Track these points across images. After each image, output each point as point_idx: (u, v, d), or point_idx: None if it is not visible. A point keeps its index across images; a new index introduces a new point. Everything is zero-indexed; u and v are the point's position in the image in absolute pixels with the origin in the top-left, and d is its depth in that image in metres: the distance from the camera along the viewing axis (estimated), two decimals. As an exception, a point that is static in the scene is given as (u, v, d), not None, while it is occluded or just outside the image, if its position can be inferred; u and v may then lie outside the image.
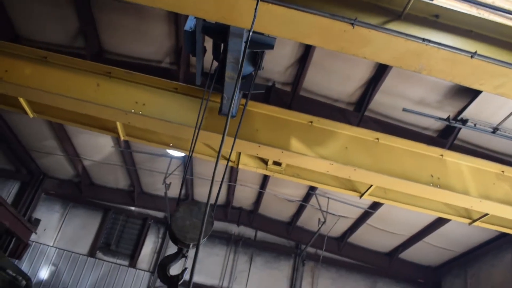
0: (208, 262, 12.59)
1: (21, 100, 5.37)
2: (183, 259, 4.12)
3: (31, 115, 5.64)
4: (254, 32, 4.02)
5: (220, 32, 4.18)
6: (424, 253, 11.99)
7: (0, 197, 10.78)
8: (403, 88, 6.93)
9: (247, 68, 4.52)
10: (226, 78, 4.42)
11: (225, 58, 4.22)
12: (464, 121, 6.04)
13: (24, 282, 2.08)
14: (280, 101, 7.88)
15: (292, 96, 7.71)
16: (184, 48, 6.38)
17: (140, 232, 13.25)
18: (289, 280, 12.89)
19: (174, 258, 4.08)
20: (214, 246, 13.05)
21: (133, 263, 12.75)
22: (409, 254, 12.37)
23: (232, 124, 3.98)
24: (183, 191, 12.59)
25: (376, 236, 12.08)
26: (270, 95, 7.82)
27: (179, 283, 4.06)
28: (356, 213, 11.43)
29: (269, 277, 12.90)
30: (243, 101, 5.37)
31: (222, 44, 4.37)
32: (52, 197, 13.45)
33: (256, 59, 4.39)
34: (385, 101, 7.36)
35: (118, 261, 12.78)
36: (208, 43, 4.50)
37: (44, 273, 12.36)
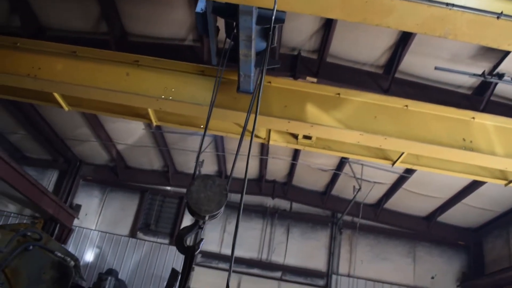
0: (245, 236, 13.03)
1: (56, 95, 5.70)
2: (200, 230, 4.38)
3: (66, 109, 5.99)
4: (263, 8, 4.12)
5: (230, 11, 4.29)
6: (463, 214, 12.02)
7: (41, 186, 11.47)
8: (434, 47, 6.87)
9: (261, 44, 4.60)
10: (240, 56, 4.55)
11: (238, 36, 4.33)
12: (500, 76, 5.95)
13: (72, 263, 2.38)
14: (307, 70, 7.98)
15: (319, 63, 7.79)
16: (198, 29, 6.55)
17: (177, 211, 13.78)
18: (327, 249, 13.22)
19: (190, 229, 4.29)
20: (250, 220, 13.46)
21: (173, 241, 13.34)
22: (448, 217, 12.42)
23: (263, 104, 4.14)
24: (216, 168, 12.98)
25: (413, 201, 12.17)
26: (297, 64, 7.92)
27: (196, 253, 4.32)
28: (391, 179, 11.52)
29: (307, 247, 13.26)
30: (269, 77, 5.54)
31: (234, 23, 4.46)
32: (90, 182, 14.11)
33: (269, 35, 4.47)
34: (415, 61, 7.33)
35: (159, 240, 13.40)
36: (222, 22, 4.63)
37: (89, 256, 13.12)
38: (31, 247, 2.69)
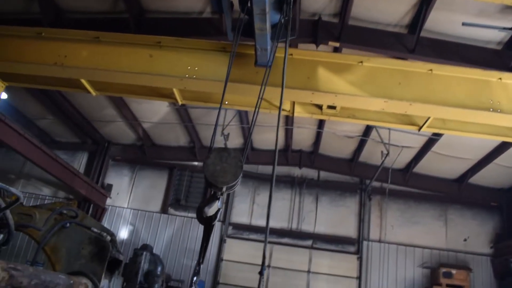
0: (275, 206, 13.32)
1: (83, 81, 5.92)
2: (218, 201, 4.68)
3: (93, 94, 6.22)
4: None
5: (242, -15, 4.34)
6: (495, 175, 11.97)
7: (73, 168, 11.95)
8: (460, 2, 6.76)
9: (276, 16, 4.64)
10: (256, 30, 4.61)
11: (252, 10, 4.39)
12: (530, 28, 5.82)
13: (108, 237, 2.58)
14: (328, 35, 7.98)
15: (340, 27, 7.77)
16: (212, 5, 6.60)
17: (206, 185, 14.14)
18: (357, 216, 13.43)
19: (209, 201, 4.58)
20: (279, 191, 13.72)
21: (204, 215, 13.75)
22: (479, 178, 12.40)
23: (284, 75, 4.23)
24: (242, 140, 13.19)
25: (443, 163, 12.17)
26: (318, 30, 7.92)
27: (213, 223, 4.58)
28: (419, 142, 11.53)
29: (336, 214, 13.50)
30: (290, 49, 5.59)
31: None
32: (119, 162, 14.60)
33: (283, 7, 4.50)
34: (441, 18, 7.23)
35: (189, 215, 13.86)
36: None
37: (124, 233, 13.71)
38: (68, 225, 2.85)
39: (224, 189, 4.40)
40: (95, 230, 2.96)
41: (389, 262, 12.89)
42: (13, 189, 1.81)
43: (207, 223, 4.55)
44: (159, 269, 9.52)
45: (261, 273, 4.22)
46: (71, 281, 2.45)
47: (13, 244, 12.86)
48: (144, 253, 9.50)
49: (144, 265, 9.40)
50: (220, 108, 4.65)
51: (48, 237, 2.80)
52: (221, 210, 4.62)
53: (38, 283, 1.99)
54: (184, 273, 12.74)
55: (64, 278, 2.34)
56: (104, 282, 2.81)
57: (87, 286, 2.58)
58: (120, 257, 2.87)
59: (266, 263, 10.35)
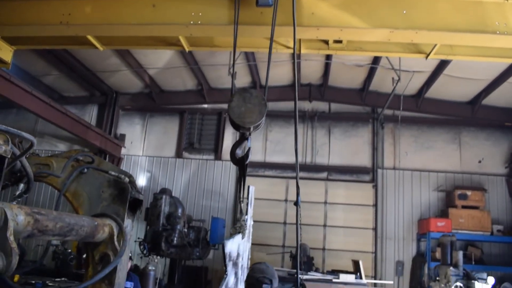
0: (287, 142, 13.68)
1: (89, 37, 6.10)
2: (247, 141, 5.08)
3: (101, 49, 6.40)
4: None
5: None
6: (509, 95, 12.05)
7: (84, 121, 12.34)
8: None
9: None
10: None
11: None
12: None
13: (127, 179, 2.72)
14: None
15: None
16: None
17: (218, 127, 14.52)
18: (370, 145, 13.78)
19: (239, 143, 4.81)
20: (290, 126, 14.00)
21: (218, 156, 14.25)
22: (493, 99, 12.50)
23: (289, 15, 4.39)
24: (250, 79, 13.35)
25: (455, 86, 12.26)
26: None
27: (246, 162, 4.87)
28: (431, 66, 11.52)
29: (349, 145, 13.86)
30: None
31: None
32: (129, 111, 14.93)
33: None
34: None
35: (204, 157, 14.34)
36: None
37: (141, 180, 14.30)
38: (85, 170, 2.93)
39: (251, 128, 4.71)
40: (113, 173, 2.99)
41: (404, 188, 13.38)
42: (25, 134, 1.85)
43: (241, 163, 4.86)
44: (180, 210, 10.11)
45: (296, 204, 4.64)
46: (96, 223, 2.52)
47: (31, 198, 13.58)
48: (164, 196, 10.05)
49: (165, 208, 9.99)
50: (234, 52, 4.84)
51: (68, 183, 2.89)
52: (251, 148, 4.87)
53: (63, 226, 2.07)
54: (204, 213, 13.42)
55: (88, 220, 2.44)
56: (127, 221, 2.88)
57: (111, 227, 2.70)
58: (140, 197, 3.01)
59: (283, 198, 11.11)
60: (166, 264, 11.38)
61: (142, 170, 14.40)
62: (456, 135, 13.56)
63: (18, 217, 1.82)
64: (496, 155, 13.28)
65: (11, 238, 1.77)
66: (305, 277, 9.12)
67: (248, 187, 5.42)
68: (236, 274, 4.31)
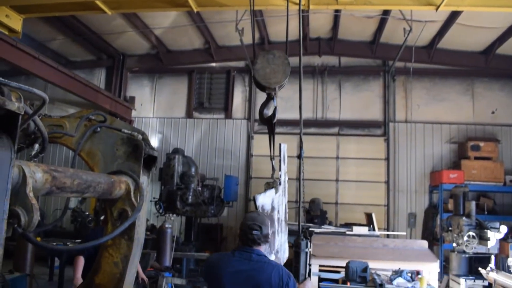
0: (298, 98, 13.54)
1: (97, 2, 5.99)
2: (273, 101, 5.21)
3: (109, 13, 6.30)
4: None
5: None
6: (525, 43, 11.72)
7: (93, 85, 12.31)
8: None
9: None
10: None
11: None
12: None
13: (140, 136, 2.73)
14: None
15: None
16: None
17: (227, 85, 14.43)
18: (382, 98, 13.65)
19: (266, 103, 5.11)
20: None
21: (228, 115, 14.24)
22: (507, 48, 12.16)
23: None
24: (258, 34, 13.11)
25: (469, 35, 11.94)
26: None
27: (274, 121, 5.31)
28: (443, 15, 11.17)
29: (361, 99, 13.73)
30: None
31: None
32: (137, 73, 14.85)
33: None
34: None
35: (215, 116, 14.34)
36: None
37: (153, 142, 14.39)
38: (98, 129, 2.93)
39: (277, 88, 4.84)
40: (126, 131, 2.99)
41: (417, 141, 13.32)
42: (37, 91, 1.84)
43: (269, 122, 5.26)
44: (193, 169, 10.21)
45: (300, 157, 4.82)
46: (112, 180, 2.55)
47: (46, 160, 13.77)
48: (177, 156, 10.14)
49: (178, 167, 10.09)
50: (252, 11, 4.74)
51: (82, 142, 2.89)
52: (277, 108, 5.34)
53: (81, 182, 2.08)
54: (217, 172, 13.55)
55: (105, 177, 2.46)
56: (143, 178, 2.90)
57: (128, 183, 2.72)
58: (154, 153, 3.01)
59: (295, 154, 11.09)
60: (182, 222, 11.61)
61: (154, 131, 14.46)
62: (469, 86, 13.34)
63: (36, 174, 1.84)
64: (509, 105, 13.09)
65: (31, 194, 1.79)
66: (318, 230, 9.26)
67: (280, 144, 5.54)
68: (272, 226, 4.43)
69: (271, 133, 5.53)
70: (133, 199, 2.75)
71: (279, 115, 14.26)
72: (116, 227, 2.65)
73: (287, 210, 5.47)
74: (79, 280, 5.63)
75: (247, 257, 3.25)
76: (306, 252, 4.04)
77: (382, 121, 13.55)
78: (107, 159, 2.98)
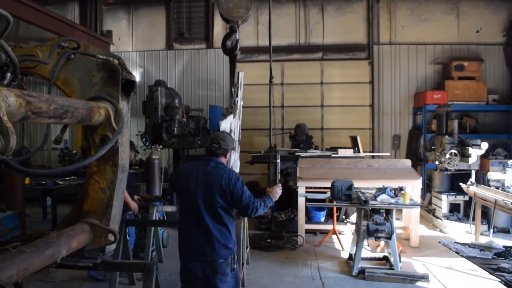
0: (280, 23, 13.29)
1: None
2: (235, 33, 5.75)
3: None
4: None
5: None
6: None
7: (68, 20, 11.85)
8: None
9: None
10: None
11: None
12: None
13: (116, 61, 2.68)
14: None
15: None
16: None
17: (206, 14, 14.00)
18: (365, 20, 13.39)
19: (229, 35, 5.60)
20: (282, 6, 13.53)
21: (209, 45, 13.94)
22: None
23: None
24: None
25: None
26: None
27: (236, 52, 5.84)
28: None
29: (344, 22, 13.46)
30: None
31: None
32: (113, 6, 14.27)
33: None
34: None
35: (196, 47, 14.04)
36: None
37: (135, 76, 14.11)
38: (72, 56, 2.88)
39: (239, 22, 5.30)
40: (101, 56, 2.96)
41: (401, 63, 13.26)
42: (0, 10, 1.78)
43: (231, 53, 5.75)
44: (177, 101, 10.13)
45: (270, 82, 5.28)
46: (91, 105, 2.53)
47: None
48: (159, 88, 9.99)
49: (162, 99, 9.98)
50: None
51: (56, 71, 2.84)
52: (239, 40, 5.85)
53: (57, 107, 2.07)
54: (202, 102, 13.48)
55: (83, 103, 2.45)
56: (122, 103, 2.88)
57: (107, 109, 2.70)
58: (132, 77, 3.00)
59: (279, 81, 11.37)
60: (170, 155, 11.71)
61: (134, 66, 14.18)
62: (454, 5, 13.10)
63: (9, 98, 1.81)
64: (494, 24, 12.95)
65: (5, 118, 1.77)
66: (304, 154, 9.42)
67: (238, 73, 6.09)
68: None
69: (233, 64, 6.04)
70: (113, 124, 2.74)
71: (262, 42, 14.12)
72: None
73: (240, 132, 6.29)
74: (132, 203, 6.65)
75: (206, 164, 3.99)
76: (275, 163, 4.60)
77: (366, 44, 13.38)
78: (84, 86, 2.94)
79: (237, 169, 5.93)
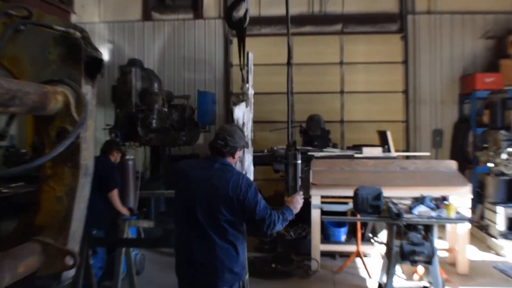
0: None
1: None
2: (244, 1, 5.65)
3: None
4: None
5: None
6: None
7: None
8: None
9: None
10: None
11: None
12: None
13: (78, 34, 2.60)
14: None
15: None
16: None
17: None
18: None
19: (235, 4, 5.59)
20: (288, -34, 13.47)
21: (198, 14, 13.94)
22: None
23: None
24: None
25: None
26: None
27: (245, 25, 5.74)
28: None
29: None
30: None
31: None
32: (73, -38, 14.25)
33: None
34: None
35: (181, 17, 14.04)
36: None
37: (103, 54, 14.08)
38: (22, 27, 2.74)
39: None
40: (59, 28, 2.91)
41: (442, 38, 13.23)
42: None
43: (239, 26, 5.69)
44: (156, 85, 10.11)
45: (288, 63, 5.22)
46: (45, 90, 2.51)
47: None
48: (133, 69, 9.96)
49: (137, 83, 9.95)
50: None
51: (2, 45, 2.71)
52: (249, 10, 5.76)
53: (2, 92, 2.03)
54: (188, 88, 13.44)
55: (35, 86, 2.40)
56: (86, 88, 2.83)
57: (66, 94, 2.67)
58: (99, 55, 2.96)
59: (287, 61, 11.26)
60: (147, 155, 11.66)
61: (102, 41, 14.15)
62: (512, -38, 13.08)
63: None
64: None
65: None
66: (319, 154, 9.39)
67: (247, 53, 6.01)
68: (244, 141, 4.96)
69: (241, 40, 5.91)
70: (74, 114, 2.70)
71: (265, 11, 14.21)
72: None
73: (252, 128, 6.10)
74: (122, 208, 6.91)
75: (210, 166, 4.01)
76: (295, 164, 4.53)
77: (397, 13, 13.38)
78: (38, 66, 2.89)
79: (250, 176, 5.81)
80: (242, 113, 5.35)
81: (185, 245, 4.00)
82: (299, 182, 4.56)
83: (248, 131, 5.67)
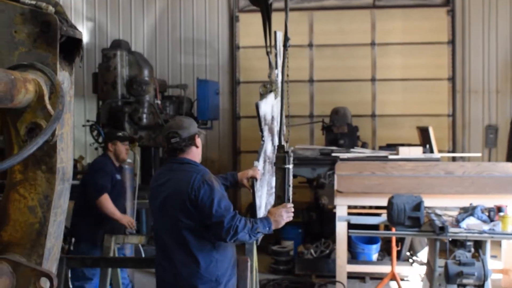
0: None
1: None
2: None
3: None
4: None
5: None
6: None
7: None
8: None
9: None
10: None
11: None
12: None
13: (51, 8, 2.57)
14: None
15: None
16: None
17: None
18: None
19: None
20: None
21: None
22: None
23: None
24: None
25: None
26: None
27: (270, 1, 5.58)
28: None
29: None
30: None
31: None
32: None
33: None
34: None
35: (176, -12, 14.06)
36: None
37: (82, 33, 14.14)
38: None
39: None
40: (27, 1, 2.90)
41: (498, 14, 13.20)
42: None
43: (263, 1, 5.52)
44: (146, 72, 10.17)
45: (285, 46, 5.14)
46: (12, 77, 2.53)
47: None
48: (119, 52, 10.02)
49: (122, 70, 10.01)
50: None
51: None
52: None
53: None
54: (185, 76, 13.50)
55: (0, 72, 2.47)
56: (62, 74, 2.85)
57: (38, 83, 2.67)
58: (77, 34, 2.95)
59: (306, 42, 11.42)
60: (137, 158, 11.71)
61: (80, 17, 14.21)
62: None
63: None
64: None
65: None
66: (346, 155, 9.40)
67: (275, 33, 5.78)
68: (272, 141, 5.08)
69: (267, 18, 5.67)
70: (48, 106, 2.70)
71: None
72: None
73: (284, 121, 5.37)
74: (119, 215, 6.87)
75: (170, 168, 4.27)
76: (284, 169, 4.38)
77: (443, -19, 13.36)
78: (2, 48, 2.92)
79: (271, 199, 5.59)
80: (271, 106, 5.29)
81: (157, 268, 4.28)
82: (290, 191, 4.42)
83: (277, 125, 5.40)
